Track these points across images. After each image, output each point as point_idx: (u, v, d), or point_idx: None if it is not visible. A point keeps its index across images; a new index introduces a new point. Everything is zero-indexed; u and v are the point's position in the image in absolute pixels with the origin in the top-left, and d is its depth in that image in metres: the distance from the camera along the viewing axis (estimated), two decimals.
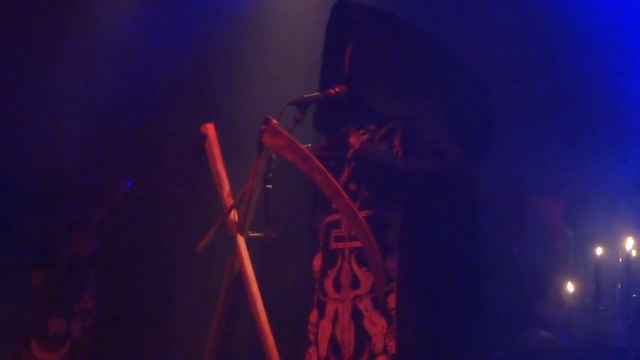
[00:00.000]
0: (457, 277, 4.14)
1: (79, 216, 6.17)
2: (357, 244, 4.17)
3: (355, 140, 4.39)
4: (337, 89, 4.40)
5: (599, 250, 6.32)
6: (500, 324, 6.52)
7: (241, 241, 4.47)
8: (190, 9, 6.50)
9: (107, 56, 6.49)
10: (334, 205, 4.27)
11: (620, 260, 6.55)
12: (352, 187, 4.31)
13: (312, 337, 4.39)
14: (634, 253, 6.30)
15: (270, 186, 4.40)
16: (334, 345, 4.27)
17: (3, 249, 6.50)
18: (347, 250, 4.29)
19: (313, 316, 4.40)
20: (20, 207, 6.44)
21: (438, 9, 6.25)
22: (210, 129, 4.76)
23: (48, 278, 6.10)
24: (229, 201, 4.62)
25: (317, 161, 4.17)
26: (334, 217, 4.35)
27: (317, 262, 4.42)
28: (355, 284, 4.23)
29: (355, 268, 4.23)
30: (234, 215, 4.57)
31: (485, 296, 4.21)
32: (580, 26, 6.72)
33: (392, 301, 4.13)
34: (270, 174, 4.40)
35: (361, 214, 4.10)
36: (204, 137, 4.76)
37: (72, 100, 6.51)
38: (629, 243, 6.24)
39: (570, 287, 6.44)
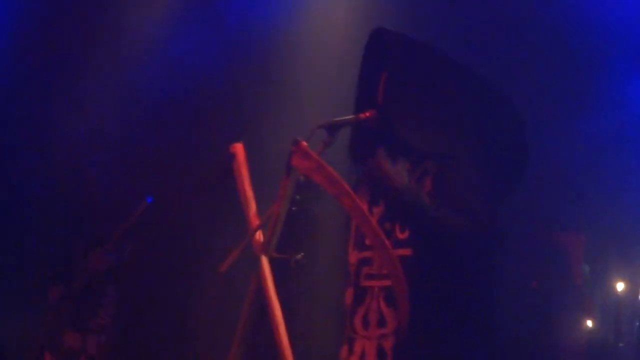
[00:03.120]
0: (470, 326, 4.15)
1: (98, 232, 6.15)
2: (387, 282, 4.15)
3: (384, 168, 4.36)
4: (367, 114, 4.38)
5: (620, 286, 6.26)
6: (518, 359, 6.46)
7: (265, 262, 4.46)
8: (223, 29, 6.49)
9: (136, 72, 6.48)
10: (365, 237, 4.26)
11: None
12: (387, 226, 4.29)
13: None
14: None
15: (297, 209, 4.39)
16: None
17: (21, 263, 6.48)
18: (376, 288, 4.28)
19: (343, 352, 4.39)
20: (40, 222, 6.43)
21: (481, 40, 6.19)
22: (239, 149, 4.76)
23: (64, 293, 6.08)
24: (255, 222, 4.60)
25: (346, 185, 4.15)
26: (366, 254, 4.34)
27: (349, 297, 4.40)
28: (382, 322, 4.22)
29: (383, 307, 4.22)
30: (259, 236, 4.55)
31: (503, 332, 4.19)
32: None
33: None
34: (298, 197, 4.39)
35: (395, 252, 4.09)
36: (232, 157, 4.76)
37: (97, 116, 6.50)
38: None
39: (589, 323, 6.38)
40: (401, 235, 4.25)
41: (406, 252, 4.18)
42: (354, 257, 4.41)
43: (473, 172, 4.21)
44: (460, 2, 6.36)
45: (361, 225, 4.19)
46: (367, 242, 4.29)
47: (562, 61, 6.53)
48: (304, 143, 4.26)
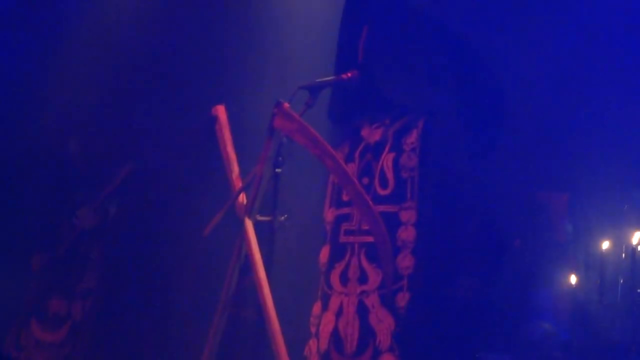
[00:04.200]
0: (468, 277, 4.14)
1: (82, 199, 6.14)
2: (368, 239, 4.15)
3: (367, 133, 4.37)
4: (349, 74, 4.38)
5: (604, 245, 6.28)
6: (502, 317, 6.48)
7: (249, 225, 4.45)
8: None
9: (114, 35, 6.43)
10: (344, 193, 4.26)
11: (624, 255, 6.50)
12: (365, 180, 4.29)
13: (313, 330, 4.39)
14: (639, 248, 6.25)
15: (280, 170, 4.38)
16: (336, 338, 4.26)
17: (6, 231, 6.45)
18: (357, 244, 4.28)
19: (316, 308, 4.40)
20: (23, 190, 6.40)
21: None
22: (221, 111, 4.75)
23: (49, 259, 6.07)
24: (238, 184, 4.59)
25: (328, 146, 4.14)
26: (345, 210, 4.34)
27: (324, 254, 4.40)
28: (363, 279, 4.22)
29: (365, 263, 4.22)
30: (242, 198, 4.55)
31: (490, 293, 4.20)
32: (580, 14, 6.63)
33: (401, 300, 4.12)
34: (280, 158, 4.38)
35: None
36: (214, 119, 4.75)
37: (77, 81, 6.46)
38: (636, 237, 6.18)
39: (572, 281, 6.41)
40: (382, 191, 4.25)
41: (387, 208, 4.19)
42: (330, 214, 4.42)
43: (457, 125, 4.22)
44: None
45: (344, 186, 4.18)
46: (345, 197, 4.29)
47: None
48: (286, 104, 4.26)
